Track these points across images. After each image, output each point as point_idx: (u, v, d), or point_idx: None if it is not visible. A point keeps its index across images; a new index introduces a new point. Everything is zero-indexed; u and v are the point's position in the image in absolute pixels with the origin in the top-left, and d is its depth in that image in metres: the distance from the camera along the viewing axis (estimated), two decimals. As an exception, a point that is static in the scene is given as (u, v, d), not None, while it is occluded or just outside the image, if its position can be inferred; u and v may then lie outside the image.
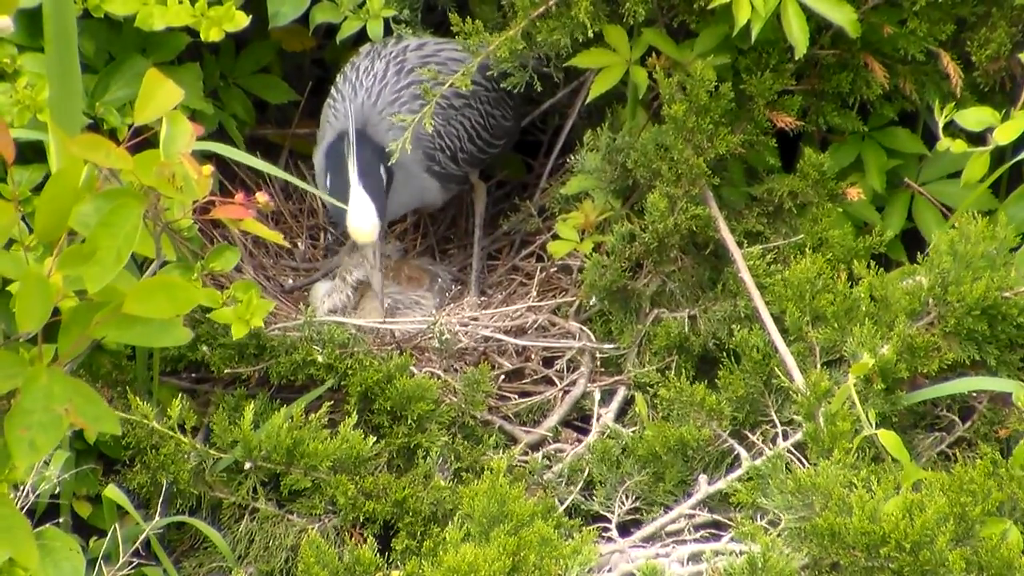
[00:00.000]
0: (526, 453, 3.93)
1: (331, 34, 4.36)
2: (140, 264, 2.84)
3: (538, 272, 4.41)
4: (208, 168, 2.27)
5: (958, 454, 3.66)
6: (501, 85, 4.12)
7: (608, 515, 3.70)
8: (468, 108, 4.22)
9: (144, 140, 2.35)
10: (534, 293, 4.30)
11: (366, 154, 4.07)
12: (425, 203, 4.37)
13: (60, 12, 3.00)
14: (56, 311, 2.26)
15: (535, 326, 4.20)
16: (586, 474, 3.82)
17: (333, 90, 4.24)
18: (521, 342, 4.15)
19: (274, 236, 2.35)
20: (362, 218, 4.06)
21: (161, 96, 2.31)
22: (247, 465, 3.73)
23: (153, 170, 2.24)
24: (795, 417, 3.66)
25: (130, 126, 2.35)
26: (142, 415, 3.69)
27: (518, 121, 4.47)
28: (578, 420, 4.07)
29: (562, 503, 3.76)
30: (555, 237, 4.21)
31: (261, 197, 2.33)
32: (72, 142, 2.23)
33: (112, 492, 3.63)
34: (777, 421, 3.72)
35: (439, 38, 4.29)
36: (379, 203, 4.07)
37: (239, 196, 2.32)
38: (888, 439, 3.35)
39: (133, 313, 2.24)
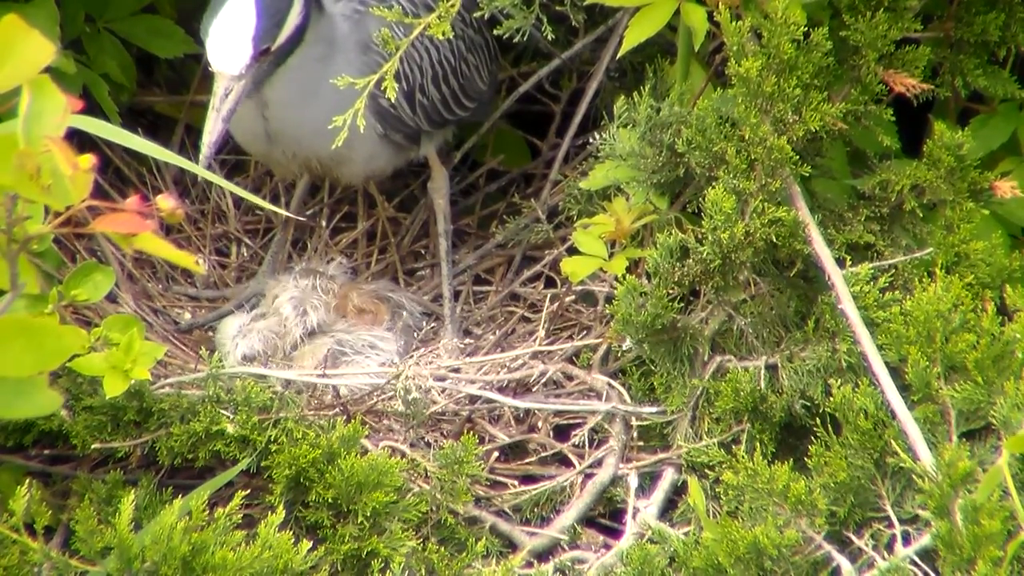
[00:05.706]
0: (530, 564, 3.97)
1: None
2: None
3: (548, 302, 4.46)
4: (88, 159, 2.26)
5: None
6: (495, 32, 4.16)
7: (650, 655, 3.76)
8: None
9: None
10: (542, 333, 4.34)
11: None
12: (353, 151, 4.35)
13: None
14: None
15: (543, 380, 4.24)
16: (618, 594, 3.86)
17: None
18: (523, 404, 4.19)
19: (184, 259, 2.24)
20: (230, 30, 4.00)
21: (23, 53, 2.29)
22: (125, 582, 3.77)
23: (10, 162, 2.22)
24: (921, 512, 3.72)
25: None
26: (-28, 510, 3.71)
27: (494, 88, 4.53)
28: (606, 516, 4.12)
29: (584, 637, 3.82)
30: (572, 252, 4.23)
31: (164, 201, 2.29)
32: None
33: (-71, 622, 3.66)
34: (894, 518, 3.77)
35: None
36: (266, 22, 4.02)
37: (133, 199, 2.27)
38: (1056, 544, 3.39)
39: (-24, 369, 2.23)
